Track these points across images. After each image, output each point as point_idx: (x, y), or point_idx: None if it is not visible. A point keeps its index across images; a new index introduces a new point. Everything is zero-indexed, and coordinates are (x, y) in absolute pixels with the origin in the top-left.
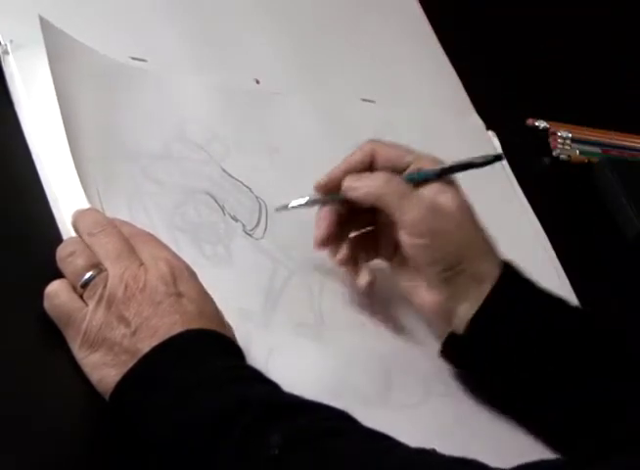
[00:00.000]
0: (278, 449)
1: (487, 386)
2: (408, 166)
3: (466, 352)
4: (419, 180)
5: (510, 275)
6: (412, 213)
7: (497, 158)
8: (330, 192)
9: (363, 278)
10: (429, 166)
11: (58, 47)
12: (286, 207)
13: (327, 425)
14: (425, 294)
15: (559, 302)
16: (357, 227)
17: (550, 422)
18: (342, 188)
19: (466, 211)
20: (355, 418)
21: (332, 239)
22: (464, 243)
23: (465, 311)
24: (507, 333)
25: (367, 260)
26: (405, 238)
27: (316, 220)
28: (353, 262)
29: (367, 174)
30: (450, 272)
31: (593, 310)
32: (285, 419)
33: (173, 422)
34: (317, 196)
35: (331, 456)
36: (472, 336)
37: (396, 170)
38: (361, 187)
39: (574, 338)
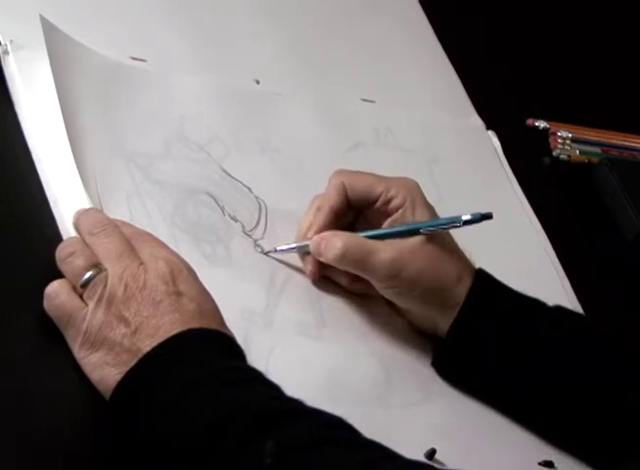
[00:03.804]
0: (271, 459)
1: (475, 392)
2: (379, 198)
3: (448, 366)
4: (386, 236)
5: (477, 292)
6: (377, 273)
7: (485, 217)
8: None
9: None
10: (397, 202)
11: (58, 47)
12: (274, 250)
13: (322, 434)
14: (409, 315)
15: (531, 304)
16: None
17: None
18: (311, 250)
19: (431, 246)
20: (352, 425)
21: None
22: (434, 279)
23: (443, 328)
24: (480, 346)
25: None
26: (378, 289)
27: (303, 264)
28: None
29: (329, 236)
30: (426, 306)
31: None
32: (280, 427)
33: (172, 424)
34: (303, 244)
35: (323, 467)
36: (449, 351)
37: (369, 202)
38: (325, 255)
39: (543, 337)
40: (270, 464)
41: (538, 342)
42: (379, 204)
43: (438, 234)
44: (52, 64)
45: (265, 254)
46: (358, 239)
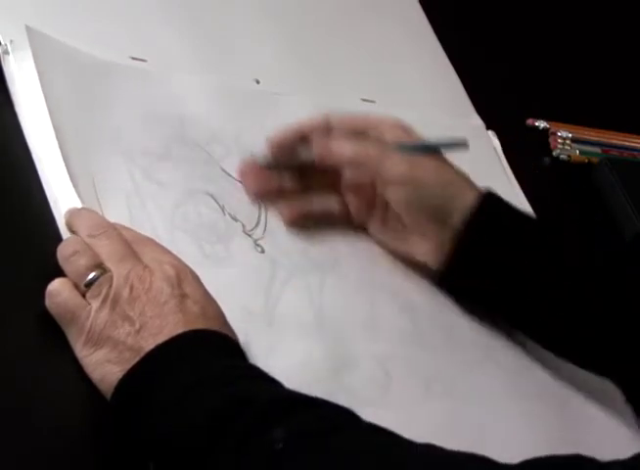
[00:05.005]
0: (282, 443)
1: (484, 304)
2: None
3: (454, 279)
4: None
5: (490, 201)
6: (392, 169)
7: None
8: (282, 153)
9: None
10: (390, 134)
11: (50, 54)
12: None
13: (332, 420)
14: (418, 245)
15: (537, 223)
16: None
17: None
18: (315, 149)
19: (442, 159)
20: (360, 416)
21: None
22: (446, 184)
23: (446, 245)
24: (488, 256)
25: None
26: (388, 193)
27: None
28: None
29: (341, 139)
30: (438, 215)
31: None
32: (289, 414)
33: (174, 420)
34: (278, 157)
35: (335, 451)
36: (457, 260)
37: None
38: (337, 149)
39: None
40: (282, 448)
41: (544, 256)
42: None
43: (440, 153)
44: (49, 69)
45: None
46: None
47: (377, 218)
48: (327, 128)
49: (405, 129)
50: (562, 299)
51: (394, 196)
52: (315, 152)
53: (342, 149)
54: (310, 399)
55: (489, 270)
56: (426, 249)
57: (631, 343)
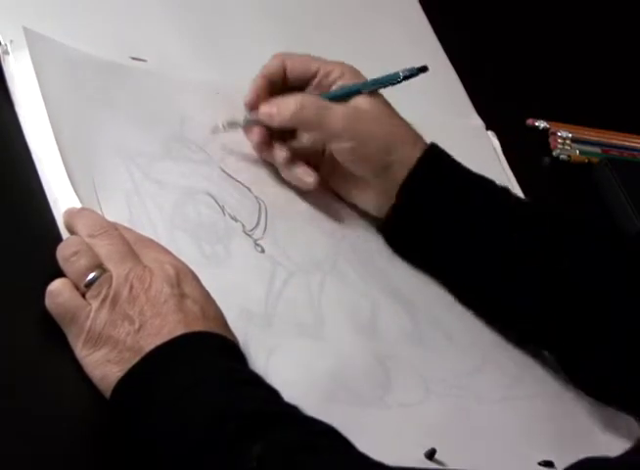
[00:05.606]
0: (256, 462)
1: (425, 256)
2: (317, 74)
3: (396, 231)
4: (333, 98)
5: (432, 155)
6: (332, 124)
7: (421, 70)
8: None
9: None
10: (336, 73)
11: (48, 54)
12: (219, 127)
13: (310, 441)
14: (367, 196)
15: (479, 179)
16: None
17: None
18: (260, 116)
19: (384, 107)
20: (345, 436)
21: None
22: (388, 135)
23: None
24: (428, 208)
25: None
26: (332, 147)
27: (249, 136)
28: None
29: (280, 99)
30: (382, 166)
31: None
32: (270, 430)
33: (171, 420)
34: (251, 116)
35: None
36: (397, 214)
37: (305, 79)
38: (277, 114)
39: (488, 211)
40: (255, 467)
41: (487, 212)
42: (318, 78)
43: (382, 100)
44: (42, 73)
45: (213, 132)
46: (312, 96)
47: (327, 164)
48: (283, 72)
49: (351, 69)
50: (496, 251)
51: (337, 149)
52: (260, 118)
53: (283, 114)
54: (297, 414)
55: (428, 223)
56: (369, 198)
57: (565, 312)
